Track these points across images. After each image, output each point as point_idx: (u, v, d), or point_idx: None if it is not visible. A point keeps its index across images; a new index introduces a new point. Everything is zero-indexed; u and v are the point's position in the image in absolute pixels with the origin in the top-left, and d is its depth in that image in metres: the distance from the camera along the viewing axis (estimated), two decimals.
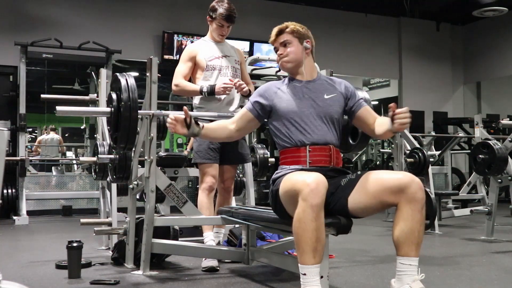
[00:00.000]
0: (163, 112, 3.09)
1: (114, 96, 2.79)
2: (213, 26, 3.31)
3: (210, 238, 3.17)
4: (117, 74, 2.83)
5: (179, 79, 3.25)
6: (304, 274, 1.97)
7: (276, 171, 2.35)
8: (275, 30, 2.45)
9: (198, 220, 3.09)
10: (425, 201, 2.04)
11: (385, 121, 2.27)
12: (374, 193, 2.05)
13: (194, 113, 3.28)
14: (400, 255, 2.00)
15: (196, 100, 3.31)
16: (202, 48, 3.30)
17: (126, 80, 2.75)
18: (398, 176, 2.03)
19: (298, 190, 1.97)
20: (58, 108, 2.75)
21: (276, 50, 2.46)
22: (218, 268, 2.99)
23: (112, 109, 2.78)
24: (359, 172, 2.20)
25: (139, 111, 2.77)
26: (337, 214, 2.12)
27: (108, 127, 2.96)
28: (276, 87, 2.44)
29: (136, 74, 7.51)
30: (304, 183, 1.96)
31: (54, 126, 9.94)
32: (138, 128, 2.87)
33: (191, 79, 3.34)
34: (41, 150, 9.89)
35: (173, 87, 3.29)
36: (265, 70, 6.34)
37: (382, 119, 2.37)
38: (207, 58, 3.26)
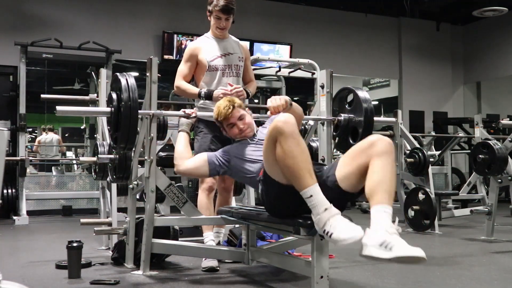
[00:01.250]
0: (163, 112, 3.10)
1: (114, 96, 2.79)
2: (212, 20, 3.29)
3: (210, 238, 3.17)
4: (117, 74, 2.82)
5: (179, 80, 3.25)
6: (311, 196, 2.02)
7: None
8: (223, 111, 2.76)
9: (198, 220, 3.09)
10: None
11: None
12: (352, 158, 2.17)
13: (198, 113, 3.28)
14: (373, 204, 1.97)
15: (198, 101, 3.30)
16: (203, 47, 3.27)
17: (126, 80, 2.74)
18: (368, 138, 2.17)
19: (273, 131, 2.12)
20: (58, 108, 2.75)
21: (232, 125, 2.79)
22: (218, 268, 2.99)
23: (112, 109, 2.78)
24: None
25: (139, 111, 2.77)
26: (330, 192, 2.12)
27: (108, 127, 2.95)
28: (233, 148, 2.82)
29: (136, 74, 7.51)
30: (275, 122, 2.13)
31: (51, 126, 9.91)
32: (138, 128, 2.87)
33: (193, 78, 3.33)
34: (40, 151, 9.87)
35: (175, 88, 3.30)
36: (265, 70, 6.33)
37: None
38: (208, 58, 3.23)
